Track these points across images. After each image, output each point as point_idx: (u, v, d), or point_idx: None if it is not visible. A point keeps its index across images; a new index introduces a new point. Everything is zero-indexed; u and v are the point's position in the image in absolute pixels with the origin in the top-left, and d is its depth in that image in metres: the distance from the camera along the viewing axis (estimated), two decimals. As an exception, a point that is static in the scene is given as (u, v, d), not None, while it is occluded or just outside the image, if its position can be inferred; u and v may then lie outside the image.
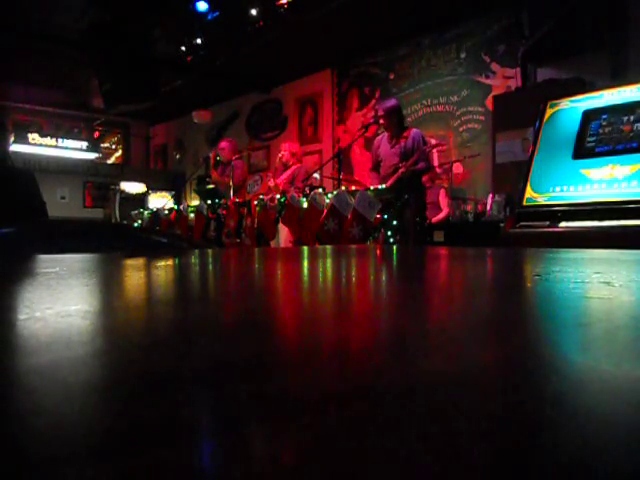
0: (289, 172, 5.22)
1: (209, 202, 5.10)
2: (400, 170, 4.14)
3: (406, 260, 1.13)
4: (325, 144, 8.00)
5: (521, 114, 4.46)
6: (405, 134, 4.27)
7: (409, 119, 6.46)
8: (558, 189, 2.91)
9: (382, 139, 4.46)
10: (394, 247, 2.86)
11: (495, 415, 0.17)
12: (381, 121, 4.46)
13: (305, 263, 1.00)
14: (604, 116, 2.90)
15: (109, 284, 0.64)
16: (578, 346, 0.28)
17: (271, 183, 5.21)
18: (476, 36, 6.23)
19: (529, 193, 3.02)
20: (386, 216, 3.72)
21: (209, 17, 6.11)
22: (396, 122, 4.34)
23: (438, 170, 5.78)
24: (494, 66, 6.11)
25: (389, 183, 4.06)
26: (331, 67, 7.87)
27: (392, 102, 4.53)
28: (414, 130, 4.33)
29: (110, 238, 1.52)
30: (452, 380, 0.21)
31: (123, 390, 0.20)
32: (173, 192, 9.80)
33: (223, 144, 5.86)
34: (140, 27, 5.95)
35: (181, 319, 0.38)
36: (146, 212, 6.19)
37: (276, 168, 5.56)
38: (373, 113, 7.40)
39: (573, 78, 4.58)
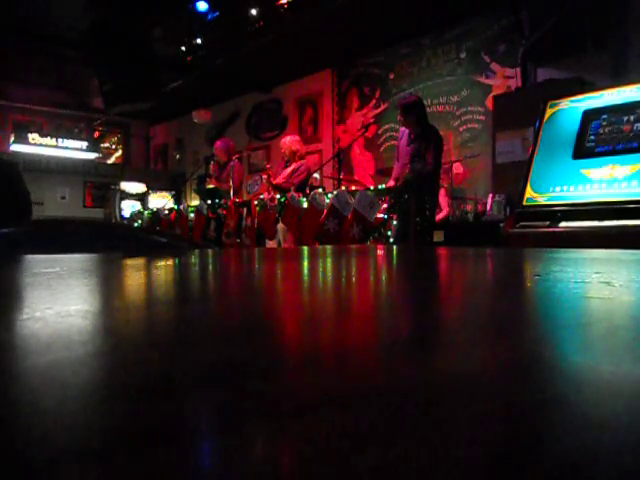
0: (289, 170, 5.15)
1: (209, 202, 5.10)
2: (406, 171, 4.06)
3: (406, 261, 1.13)
4: (325, 144, 8.00)
5: (521, 114, 4.46)
6: (425, 134, 4.09)
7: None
8: (558, 189, 2.91)
9: (403, 131, 4.31)
10: (394, 247, 2.86)
11: (494, 415, 0.17)
12: (399, 118, 4.36)
13: (305, 263, 1.00)
14: (604, 116, 2.90)
15: (109, 284, 0.64)
16: (578, 346, 0.28)
17: (265, 176, 5.12)
18: (476, 36, 6.24)
19: (529, 193, 3.03)
20: (386, 216, 3.73)
21: (209, 17, 6.12)
22: (414, 120, 4.14)
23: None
24: (494, 66, 6.11)
25: (398, 182, 4.03)
26: (331, 67, 7.87)
27: (409, 98, 4.36)
28: (433, 131, 4.15)
29: (110, 238, 1.52)
30: (452, 380, 0.21)
31: (123, 390, 0.20)
32: (173, 192, 9.80)
33: (217, 144, 5.85)
34: (140, 27, 5.95)
35: (181, 319, 0.38)
36: (146, 212, 6.20)
37: (272, 167, 5.49)
38: (373, 113, 7.41)
39: (573, 78, 4.58)
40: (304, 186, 4.79)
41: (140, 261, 1.01)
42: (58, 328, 0.32)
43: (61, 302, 0.43)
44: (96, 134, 11.12)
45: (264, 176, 5.11)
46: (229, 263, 1.05)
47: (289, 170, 5.11)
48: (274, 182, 4.99)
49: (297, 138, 5.46)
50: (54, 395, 0.19)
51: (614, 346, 0.27)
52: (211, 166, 5.86)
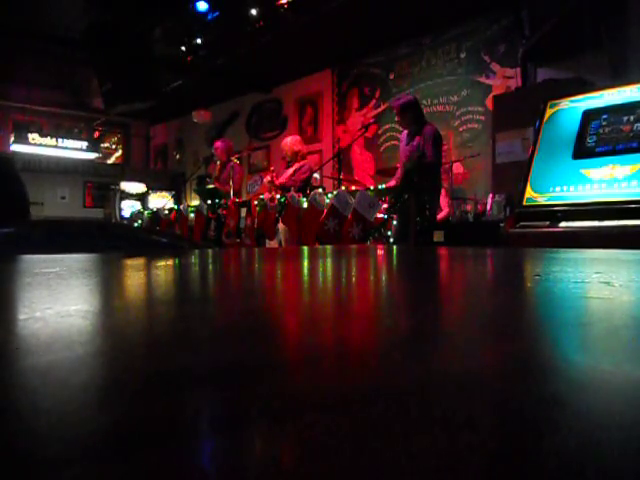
0: (290, 171, 5.14)
1: (209, 202, 5.10)
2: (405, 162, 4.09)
3: (406, 261, 1.13)
4: (325, 144, 8.00)
5: (521, 114, 4.46)
6: (421, 131, 4.13)
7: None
8: (558, 189, 2.91)
9: (404, 134, 4.36)
10: (394, 247, 2.86)
11: (494, 415, 0.17)
12: (396, 118, 4.40)
13: (305, 263, 1.00)
14: (604, 116, 2.90)
15: (109, 284, 0.64)
16: (578, 346, 0.28)
17: (267, 178, 5.12)
18: (476, 36, 6.24)
19: (529, 193, 3.02)
20: (386, 216, 3.73)
21: (209, 17, 6.12)
22: (411, 119, 4.20)
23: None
24: (494, 66, 6.11)
25: (399, 181, 4.05)
26: (331, 67, 7.87)
27: (405, 99, 4.39)
28: (428, 127, 4.17)
29: (110, 238, 1.51)
30: (451, 380, 0.21)
31: (123, 390, 0.20)
32: (173, 192, 9.81)
33: (217, 144, 5.85)
34: (140, 27, 5.95)
35: (181, 319, 0.38)
36: (146, 212, 6.20)
37: (276, 168, 5.49)
38: (373, 113, 7.41)
39: (573, 78, 4.58)
40: (306, 185, 4.78)
41: (140, 261, 1.01)
42: (58, 328, 0.32)
43: (61, 302, 0.43)
44: (96, 134, 11.12)
45: (267, 178, 5.10)
46: (229, 263, 1.05)
47: (291, 170, 5.10)
48: (277, 183, 4.98)
49: (298, 138, 5.44)
50: (54, 395, 0.19)
51: (614, 346, 0.27)
52: (216, 167, 5.86)
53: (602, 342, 0.28)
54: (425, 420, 0.16)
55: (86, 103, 9.84)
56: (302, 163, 5.13)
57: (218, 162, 5.78)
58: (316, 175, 5.30)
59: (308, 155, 5.51)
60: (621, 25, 4.61)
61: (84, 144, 10.31)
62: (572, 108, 3.06)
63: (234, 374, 0.21)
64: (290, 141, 5.22)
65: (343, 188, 4.02)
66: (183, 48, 6.70)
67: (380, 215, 3.77)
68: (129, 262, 0.98)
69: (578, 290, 0.51)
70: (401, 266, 1.00)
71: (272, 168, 5.65)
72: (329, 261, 1.02)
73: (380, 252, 1.39)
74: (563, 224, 2.81)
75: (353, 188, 4.11)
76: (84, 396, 0.19)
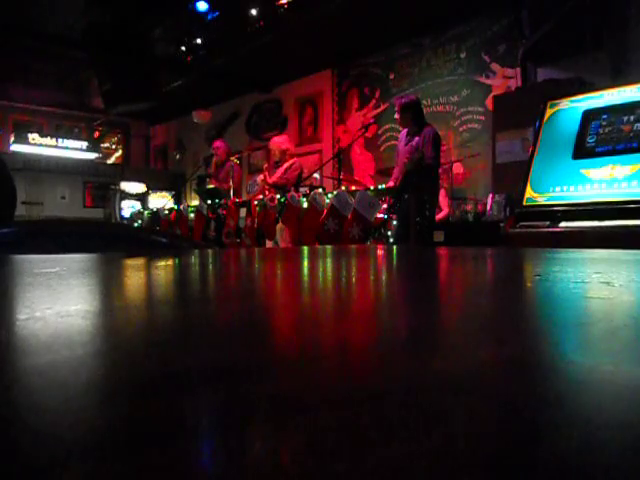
0: (281, 170, 5.16)
1: (209, 202, 5.11)
2: (404, 163, 4.10)
3: (406, 261, 1.13)
4: (325, 144, 8.00)
5: (521, 114, 4.46)
6: (421, 132, 4.14)
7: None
8: (558, 189, 2.91)
9: (402, 134, 4.37)
10: (394, 247, 2.86)
11: (494, 416, 0.17)
12: (396, 116, 4.41)
13: (305, 264, 1.00)
14: (604, 116, 2.90)
15: (109, 284, 0.64)
16: (578, 346, 0.28)
17: (261, 177, 5.15)
18: (476, 36, 6.24)
19: (529, 193, 3.03)
20: (386, 216, 3.73)
21: (209, 17, 6.13)
22: (410, 119, 4.21)
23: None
24: (494, 66, 6.11)
25: (397, 182, 4.05)
26: (331, 67, 7.88)
27: (407, 98, 4.40)
28: (427, 128, 4.18)
29: (110, 238, 1.51)
30: (451, 380, 0.21)
31: (123, 391, 0.20)
32: (173, 192, 9.81)
33: (218, 144, 5.85)
34: (140, 27, 5.96)
35: (182, 319, 0.38)
36: (146, 212, 6.20)
37: (268, 168, 5.50)
38: (373, 113, 7.41)
39: (573, 78, 4.59)
40: (299, 183, 4.81)
41: (140, 261, 1.01)
42: (58, 328, 0.32)
43: (61, 302, 0.43)
44: (96, 134, 11.13)
45: (260, 177, 5.14)
46: (229, 263, 1.05)
47: (282, 168, 5.13)
48: (270, 181, 5.00)
49: (285, 137, 5.48)
50: (54, 395, 0.19)
51: (614, 346, 0.27)
52: (211, 165, 5.87)
53: (602, 342, 0.28)
54: (425, 420, 0.16)
55: (86, 103, 9.85)
56: (292, 161, 5.17)
57: (214, 160, 5.79)
58: (316, 175, 5.31)
59: (308, 155, 5.53)
60: (621, 25, 4.61)
61: (84, 144, 10.32)
62: (572, 108, 3.06)
63: (234, 374, 0.22)
64: (278, 140, 5.27)
65: (343, 188, 4.03)
66: (183, 48, 6.71)
67: (380, 215, 3.77)
68: (129, 262, 0.98)
69: (578, 290, 0.51)
70: (401, 266, 1.00)
71: (265, 165, 5.65)
72: (329, 261, 1.02)
73: (380, 252, 1.39)
74: (563, 224, 2.81)
75: (353, 188, 4.11)
76: (84, 396, 0.19)
